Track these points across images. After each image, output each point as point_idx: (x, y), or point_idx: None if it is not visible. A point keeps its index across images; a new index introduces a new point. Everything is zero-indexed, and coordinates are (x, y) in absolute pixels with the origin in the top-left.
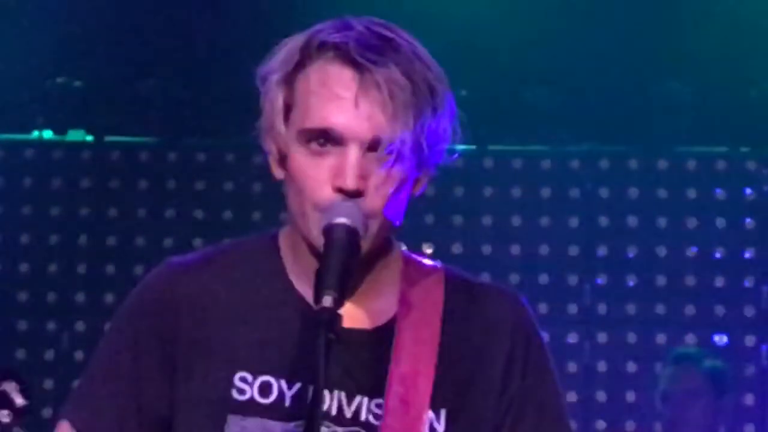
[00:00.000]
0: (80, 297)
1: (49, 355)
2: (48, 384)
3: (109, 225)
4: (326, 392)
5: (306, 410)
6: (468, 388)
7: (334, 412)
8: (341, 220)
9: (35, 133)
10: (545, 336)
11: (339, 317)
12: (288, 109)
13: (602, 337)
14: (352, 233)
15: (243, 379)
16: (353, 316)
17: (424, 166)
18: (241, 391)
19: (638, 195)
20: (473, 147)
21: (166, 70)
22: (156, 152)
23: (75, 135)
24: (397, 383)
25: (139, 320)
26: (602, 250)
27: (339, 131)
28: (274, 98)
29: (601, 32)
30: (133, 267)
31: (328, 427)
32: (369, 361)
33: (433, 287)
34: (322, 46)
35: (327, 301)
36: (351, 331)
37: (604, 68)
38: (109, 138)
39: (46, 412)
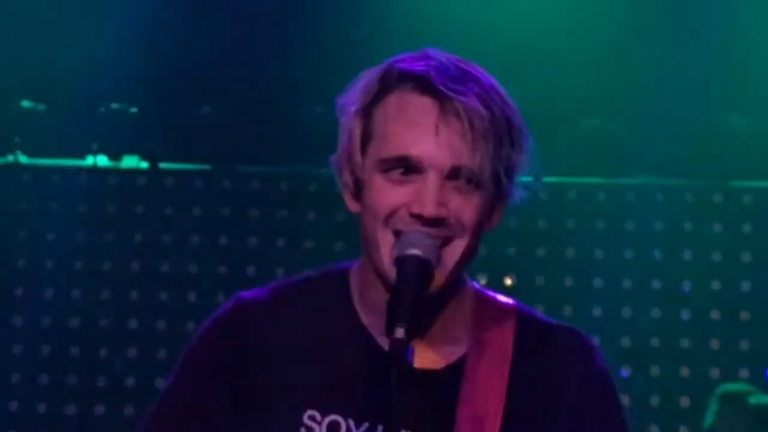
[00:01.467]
0: (133, 323)
1: (102, 381)
2: (99, 410)
3: (162, 251)
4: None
5: None
6: (536, 429)
7: None
8: (414, 251)
9: (90, 159)
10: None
11: (411, 350)
12: (366, 139)
13: (655, 371)
14: (424, 265)
15: (312, 418)
16: (425, 356)
17: (501, 197)
18: (310, 430)
19: (693, 228)
20: (528, 178)
21: (221, 97)
22: (210, 179)
23: (129, 161)
24: (465, 423)
25: (209, 358)
26: (656, 284)
27: (418, 159)
28: (353, 129)
29: (660, 64)
30: (186, 294)
31: None
32: (437, 400)
33: (504, 327)
34: (402, 76)
35: (399, 332)
36: (421, 372)
37: (661, 100)
38: (163, 165)
39: None
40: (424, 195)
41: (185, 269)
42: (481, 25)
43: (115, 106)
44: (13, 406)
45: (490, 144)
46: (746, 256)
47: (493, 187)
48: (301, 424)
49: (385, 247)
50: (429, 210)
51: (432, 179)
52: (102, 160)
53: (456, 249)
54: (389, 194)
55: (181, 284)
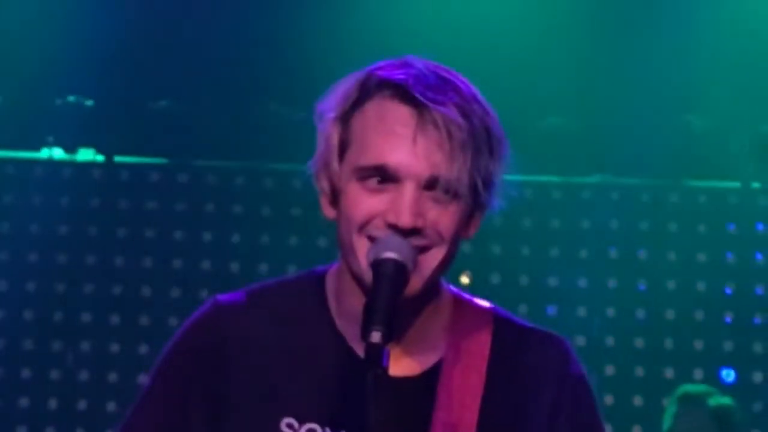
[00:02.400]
0: (86, 317)
1: (55, 374)
2: (52, 404)
3: (117, 245)
4: None
5: None
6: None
7: None
8: (390, 254)
9: (45, 152)
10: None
11: (387, 353)
12: (343, 146)
13: (610, 370)
14: (400, 268)
15: (290, 426)
16: (400, 362)
17: (479, 207)
18: None
19: (649, 228)
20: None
21: (177, 91)
22: (166, 173)
23: (85, 154)
24: (440, 427)
25: (185, 367)
26: (611, 283)
27: (395, 168)
28: (330, 136)
29: (616, 64)
30: (140, 287)
31: None
32: (413, 406)
33: (481, 332)
34: (381, 84)
35: (375, 336)
36: (397, 379)
37: (618, 100)
38: (119, 158)
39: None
40: (401, 205)
41: (140, 263)
42: (439, 25)
43: (71, 98)
44: None
45: (468, 154)
46: (701, 256)
47: (471, 196)
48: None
49: (362, 253)
50: (405, 220)
51: (408, 189)
52: (57, 153)
53: (434, 257)
54: (365, 202)
55: (136, 278)
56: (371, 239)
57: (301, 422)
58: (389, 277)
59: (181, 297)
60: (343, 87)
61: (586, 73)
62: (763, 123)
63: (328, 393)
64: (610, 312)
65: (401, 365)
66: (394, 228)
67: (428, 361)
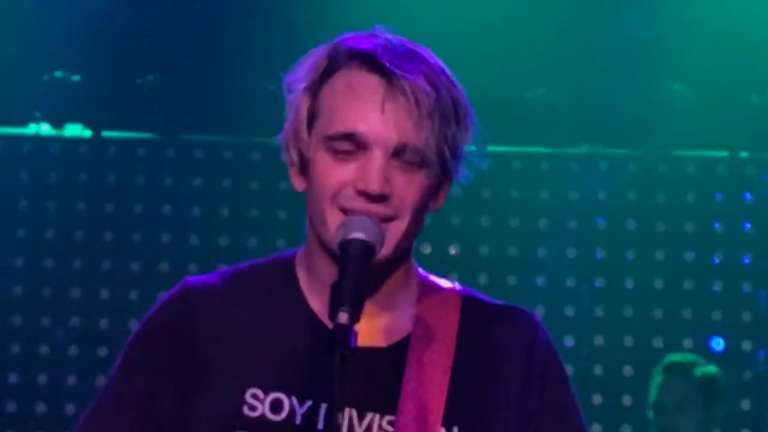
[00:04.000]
0: (76, 292)
1: (44, 350)
2: (42, 379)
3: (105, 220)
4: None
5: (316, 428)
6: (481, 407)
7: (345, 429)
8: (357, 235)
9: (32, 128)
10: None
11: (354, 333)
12: (312, 117)
13: (599, 340)
14: (368, 249)
15: (254, 396)
16: (368, 334)
17: (446, 176)
18: (253, 408)
19: (637, 198)
20: (472, 148)
21: (165, 66)
22: (154, 148)
23: (72, 130)
24: (409, 400)
25: (154, 345)
26: (600, 253)
27: (364, 136)
28: (300, 106)
29: (603, 34)
30: (129, 263)
31: None
32: (382, 378)
33: (448, 307)
34: (349, 54)
35: (342, 317)
36: (365, 350)
37: (605, 70)
38: (106, 133)
39: (40, 408)
40: (370, 171)
41: (128, 238)
42: None
43: (58, 74)
44: None
45: (435, 122)
46: (690, 226)
47: (438, 165)
48: (243, 402)
49: (333, 223)
50: (374, 186)
51: (377, 156)
52: (45, 129)
53: (399, 227)
54: (335, 171)
55: (125, 253)
56: (343, 211)
57: (267, 392)
58: (357, 257)
59: (170, 271)
60: (312, 58)
61: (574, 43)
62: (751, 92)
63: (296, 365)
64: (599, 282)
65: (370, 336)
66: (363, 194)
67: (397, 334)
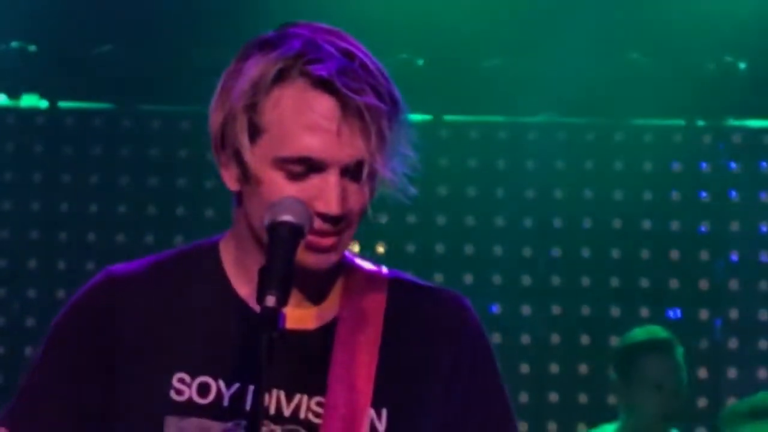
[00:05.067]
0: (32, 263)
1: (1, 321)
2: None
3: (62, 191)
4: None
5: (243, 409)
6: (410, 389)
7: (272, 410)
8: (286, 217)
9: None
10: (499, 309)
11: (283, 316)
12: (254, 132)
13: (556, 309)
14: (296, 231)
15: (181, 380)
16: (296, 317)
17: (382, 181)
18: (180, 392)
19: (594, 167)
20: (429, 117)
21: (121, 35)
22: (110, 118)
23: (29, 100)
24: (337, 382)
25: (78, 331)
26: (557, 223)
27: (320, 159)
28: (241, 121)
29: (560, 2)
30: (86, 234)
31: (266, 425)
32: (310, 360)
33: (375, 290)
34: (297, 71)
35: (270, 300)
36: (293, 332)
37: (562, 39)
38: (63, 104)
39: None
40: (329, 194)
41: (85, 209)
42: None
43: (14, 44)
44: None
45: (386, 135)
46: (647, 194)
47: (386, 171)
48: (170, 387)
49: None
50: (335, 209)
51: (333, 177)
52: (1, 99)
53: (348, 235)
54: (287, 190)
55: (81, 224)
56: None
57: (194, 377)
58: (285, 240)
59: (126, 242)
60: (250, 72)
61: (531, 11)
62: (708, 60)
63: (223, 349)
64: (556, 252)
65: (297, 318)
66: (323, 217)
67: (324, 317)
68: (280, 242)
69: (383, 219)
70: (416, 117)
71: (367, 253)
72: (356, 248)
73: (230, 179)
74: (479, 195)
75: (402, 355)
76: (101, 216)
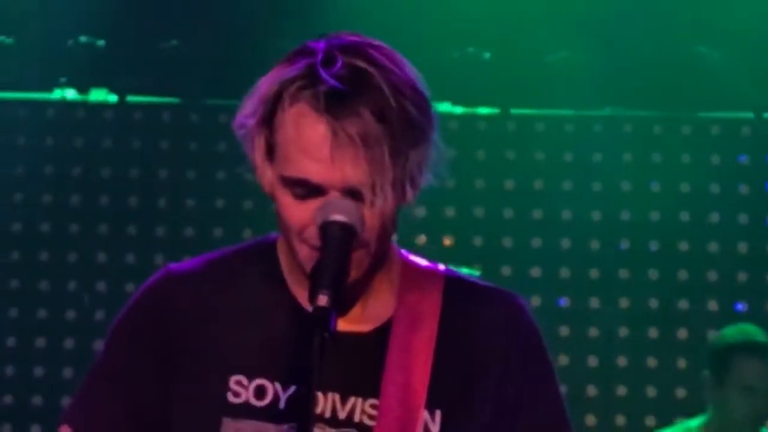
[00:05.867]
0: (101, 257)
1: (71, 314)
2: (69, 344)
3: (130, 185)
4: (320, 394)
5: (300, 412)
6: (464, 390)
7: (327, 413)
8: (338, 217)
9: (58, 93)
10: (567, 302)
11: (334, 316)
12: (270, 149)
13: (624, 302)
14: (348, 230)
15: (238, 383)
16: (349, 319)
17: (409, 193)
18: (237, 394)
19: (661, 160)
20: (496, 110)
21: (189, 30)
22: (178, 113)
23: (97, 95)
24: (392, 384)
25: (137, 330)
26: (625, 215)
27: (317, 183)
28: (257, 141)
29: None
30: (154, 228)
31: (321, 429)
32: (364, 362)
33: (431, 290)
34: (295, 94)
35: (322, 300)
36: (347, 334)
37: (629, 32)
38: (131, 98)
39: (68, 372)
40: None
41: (153, 203)
42: None
43: (83, 39)
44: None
45: (387, 158)
46: (715, 188)
47: (397, 191)
48: (227, 389)
49: (302, 256)
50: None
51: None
52: (70, 94)
53: (366, 254)
54: (295, 211)
55: (150, 218)
56: (312, 248)
57: (251, 379)
58: (337, 239)
59: (194, 236)
60: (258, 98)
61: (598, 4)
62: None
63: (279, 351)
64: (624, 245)
65: (352, 321)
66: None
67: (378, 319)
68: (332, 241)
69: (451, 212)
70: (483, 110)
71: (434, 246)
72: (422, 240)
73: (263, 186)
74: (546, 188)
75: (456, 355)
76: (169, 209)
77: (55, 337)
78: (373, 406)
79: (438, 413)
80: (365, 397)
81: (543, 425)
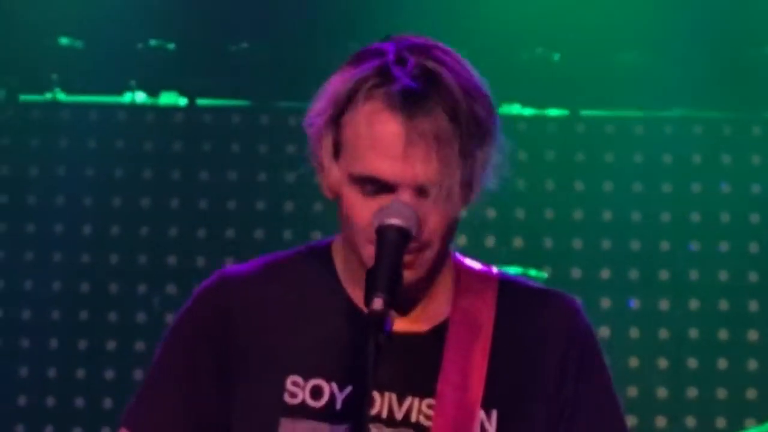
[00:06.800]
0: (172, 260)
1: (141, 317)
2: (140, 346)
3: (200, 188)
4: (377, 394)
5: (355, 412)
6: (520, 391)
7: (384, 414)
8: (394, 221)
9: (128, 96)
10: (637, 303)
11: (389, 319)
12: (337, 148)
13: (694, 304)
14: (404, 234)
15: (295, 383)
16: (408, 318)
17: (473, 194)
18: (293, 395)
19: (731, 161)
20: (565, 112)
21: (259, 32)
22: (248, 115)
23: (167, 98)
24: (447, 384)
25: (194, 333)
26: (694, 217)
27: (387, 180)
28: (325, 140)
29: None
30: (224, 231)
31: (378, 429)
32: (420, 363)
33: (486, 292)
34: (369, 92)
35: (377, 303)
36: (403, 335)
37: (698, 32)
38: (201, 101)
39: (138, 375)
40: None
41: (224, 205)
42: None
43: (153, 42)
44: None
45: (457, 157)
46: None
47: (465, 192)
48: (284, 390)
49: (366, 254)
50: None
51: (405, 198)
52: (140, 97)
53: (430, 254)
54: (363, 209)
55: (220, 221)
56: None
57: (307, 379)
58: (392, 243)
59: (264, 239)
60: (331, 93)
61: (666, 4)
62: None
63: (335, 351)
64: (694, 245)
65: (408, 321)
66: None
67: (435, 319)
68: (387, 245)
69: (521, 214)
70: (553, 112)
71: (504, 248)
72: (491, 242)
73: (324, 188)
74: (616, 190)
75: (511, 356)
76: (239, 213)
77: (125, 339)
78: (429, 406)
79: (494, 413)
80: (422, 397)
81: (600, 426)
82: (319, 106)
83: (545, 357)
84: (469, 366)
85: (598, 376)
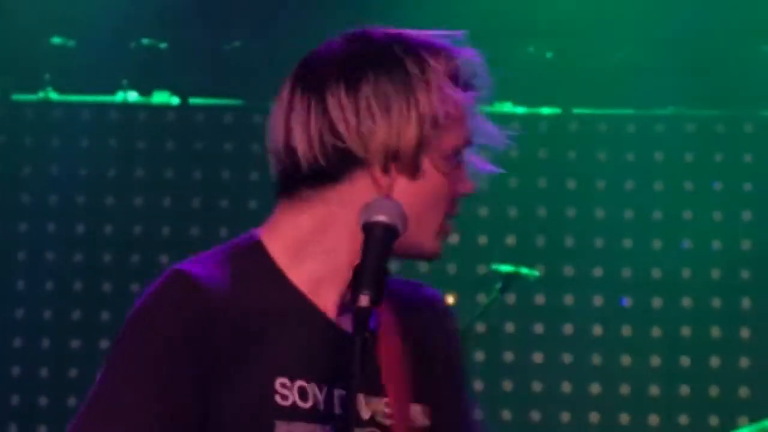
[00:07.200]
0: (163, 258)
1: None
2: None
3: (193, 187)
4: (344, 394)
5: (334, 414)
6: (432, 383)
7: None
8: (381, 218)
9: (120, 95)
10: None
11: (375, 317)
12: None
13: (686, 302)
14: (390, 231)
15: (283, 385)
16: (348, 317)
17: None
18: (284, 397)
19: (723, 159)
20: (558, 110)
21: (251, 31)
22: (241, 114)
23: (160, 97)
24: (392, 382)
25: (171, 340)
26: (686, 215)
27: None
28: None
29: None
30: (218, 229)
31: (359, 429)
32: (369, 362)
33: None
34: (468, 85)
35: (364, 300)
36: (347, 333)
37: (690, 30)
38: (194, 100)
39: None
40: (466, 173)
41: (216, 204)
42: None
43: (145, 41)
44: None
45: None
46: None
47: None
48: (275, 392)
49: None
50: (473, 186)
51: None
52: (132, 96)
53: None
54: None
55: (213, 219)
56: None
57: (293, 381)
58: (379, 240)
59: None
60: (440, 71)
61: (659, 3)
62: None
63: (306, 351)
64: (686, 244)
65: (349, 320)
66: (462, 198)
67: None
68: (374, 242)
69: (513, 212)
70: (545, 110)
71: (496, 246)
72: (483, 240)
73: (380, 176)
74: (608, 188)
75: (413, 350)
76: (232, 212)
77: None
78: (386, 404)
79: (425, 408)
80: (379, 396)
81: (469, 412)
82: (426, 77)
83: (435, 351)
84: (395, 363)
85: (463, 368)
